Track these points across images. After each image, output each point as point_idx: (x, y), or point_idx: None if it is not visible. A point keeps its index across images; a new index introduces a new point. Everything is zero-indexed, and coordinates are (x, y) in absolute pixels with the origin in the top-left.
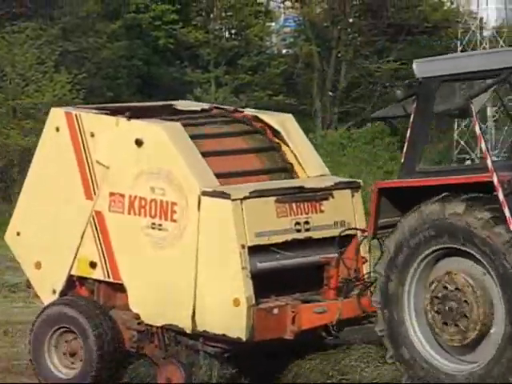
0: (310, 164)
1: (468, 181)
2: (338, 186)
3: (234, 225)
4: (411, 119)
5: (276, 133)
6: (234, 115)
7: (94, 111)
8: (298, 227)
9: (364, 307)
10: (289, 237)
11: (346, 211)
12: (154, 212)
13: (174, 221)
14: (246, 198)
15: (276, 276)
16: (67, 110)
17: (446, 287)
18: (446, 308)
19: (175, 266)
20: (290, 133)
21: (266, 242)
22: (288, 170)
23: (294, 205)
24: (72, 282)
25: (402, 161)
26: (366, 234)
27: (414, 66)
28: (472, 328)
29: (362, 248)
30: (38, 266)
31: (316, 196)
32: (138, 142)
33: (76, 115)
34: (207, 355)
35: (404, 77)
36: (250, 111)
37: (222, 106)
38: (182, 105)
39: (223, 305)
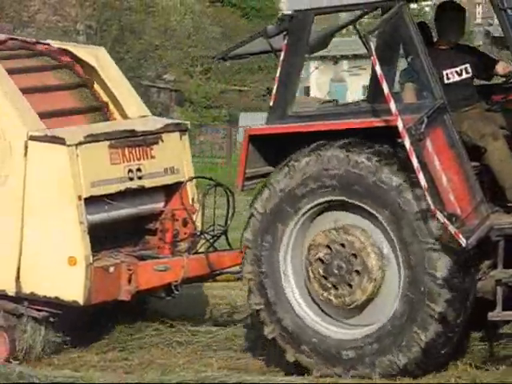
0: (130, 103)
1: (370, 125)
2: (167, 129)
3: (70, 174)
4: (282, 57)
5: (89, 68)
6: (37, 48)
7: None
8: (130, 175)
9: (211, 264)
10: (122, 186)
11: (176, 156)
12: None
13: None
14: (81, 143)
15: (104, 229)
16: None
17: (330, 245)
18: (334, 269)
19: None
20: (105, 68)
21: (100, 192)
22: (106, 110)
23: (126, 150)
24: None
25: (272, 103)
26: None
27: None
28: (363, 288)
29: (193, 196)
30: None
31: (147, 140)
32: None
33: None
34: (31, 319)
35: None
36: (55, 43)
37: (19, 37)
38: None
39: (56, 264)
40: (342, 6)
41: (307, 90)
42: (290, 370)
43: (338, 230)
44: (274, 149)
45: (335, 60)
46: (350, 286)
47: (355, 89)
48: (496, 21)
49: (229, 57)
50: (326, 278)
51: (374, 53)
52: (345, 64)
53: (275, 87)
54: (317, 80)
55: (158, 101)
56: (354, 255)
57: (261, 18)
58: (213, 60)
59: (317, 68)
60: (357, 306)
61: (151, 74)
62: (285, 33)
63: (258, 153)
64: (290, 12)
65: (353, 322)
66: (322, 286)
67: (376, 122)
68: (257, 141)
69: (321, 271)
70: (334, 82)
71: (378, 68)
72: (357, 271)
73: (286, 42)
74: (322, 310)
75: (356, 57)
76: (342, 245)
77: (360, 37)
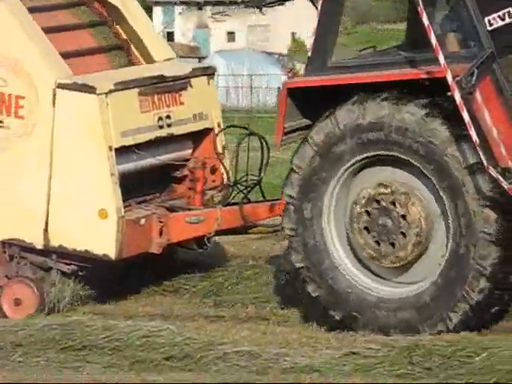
0: (155, 45)
1: (417, 77)
2: (195, 73)
3: (100, 123)
4: (319, 6)
5: (110, 5)
6: None
7: None
8: (160, 123)
9: (246, 216)
10: (152, 135)
11: (204, 102)
12: None
13: (20, 117)
14: (111, 91)
15: (132, 178)
16: None
17: (377, 201)
18: (379, 225)
19: (21, 170)
20: (127, 5)
21: (131, 142)
22: (128, 50)
23: (156, 97)
24: None
25: (310, 54)
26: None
27: None
28: (410, 246)
29: (222, 144)
30: None
31: (176, 86)
32: None
33: None
34: (59, 273)
35: None
36: None
37: None
38: None
39: (86, 217)
40: None
41: (171, 36)
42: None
43: (384, 186)
44: (312, 101)
45: (199, 6)
46: (394, 244)
47: (219, 35)
48: None
49: (265, 3)
50: (371, 234)
51: (420, 1)
52: (208, 10)
53: (314, 37)
54: (181, 26)
55: None
56: (402, 214)
57: None
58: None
59: (180, 13)
60: (404, 264)
61: None
62: None
63: (296, 106)
64: None
65: (400, 279)
66: (366, 243)
67: (422, 74)
68: (295, 93)
69: (366, 227)
70: (199, 28)
71: (424, 18)
72: (404, 229)
73: None
74: (367, 268)
75: (220, 3)
76: (389, 201)
77: None
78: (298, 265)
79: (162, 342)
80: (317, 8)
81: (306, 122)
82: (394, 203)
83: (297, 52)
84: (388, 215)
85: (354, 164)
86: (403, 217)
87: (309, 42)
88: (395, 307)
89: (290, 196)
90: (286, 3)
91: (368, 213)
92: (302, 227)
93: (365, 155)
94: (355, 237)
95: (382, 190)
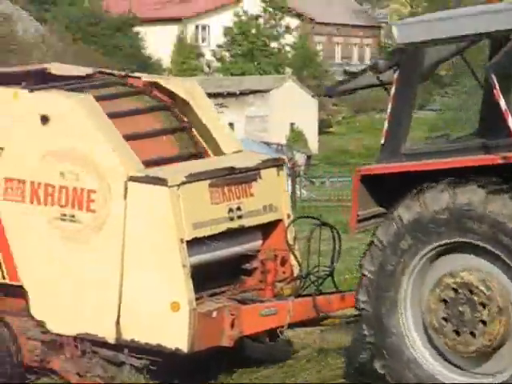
0: (224, 138)
1: (498, 162)
2: (265, 165)
3: (172, 216)
4: (393, 91)
5: (184, 104)
6: (130, 82)
7: None
8: (231, 214)
9: (318, 307)
10: (223, 227)
11: (273, 193)
12: (64, 201)
13: (92, 211)
14: (182, 183)
15: (203, 270)
16: None
17: (456, 289)
18: (458, 313)
19: (93, 263)
20: (199, 104)
21: (202, 233)
22: (203, 151)
23: (226, 189)
24: None
25: (383, 141)
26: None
27: (394, 29)
28: (491, 335)
29: (292, 235)
30: None
31: (246, 177)
32: (44, 119)
33: None
34: (132, 368)
35: None
36: (146, 77)
37: (107, 71)
38: (55, 68)
39: (158, 310)
40: (454, 38)
41: None
42: None
43: (462, 273)
44: (385, 188)
45: None
46: (474, 333)
47: None
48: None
49: (336, 93)
50: (448, 322)
51: (497, 86)
52: None
53: (387, 123)
54: None
55: None
56: (481, 302)
57: (123, 56)
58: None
59: None
60: (483, 354)
61: None
62: (396, 67)
63: (370, 193)
64: (400, 45)
65: (478, 370)
66: (443, 331)
67: (500, 159)
68: (369, 180)
69: (444, 314)
70: None
71: (502, 103)
72: (484, 317)
73: (397, 75)
74: (442, 356)
75: (218, 95)
76: (467, 289)
77: (470, 68)
78: (369, 339)
79: None
80: (389, 94)
81: (380, 209)
82: (469, 291)
83: (295, 142)
84: (467, 304)
85: (432, 250)
86: (483, 305)
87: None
88: None
89: (368, 270)
90: (284, 93)
91: (445, 301)
92: (376, 302)
93: (446, 241)
94: (432, 324)
95: (461, 277)
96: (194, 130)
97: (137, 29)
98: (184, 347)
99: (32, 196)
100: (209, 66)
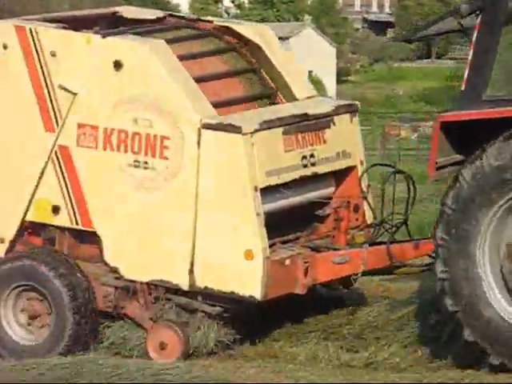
0: (297, 84)
1: None
2: (338, 111)
3: (246, 163)
4: (475, 37)
5: (254, 48)
6: (201, 26)
7: (51, 25)
8: (304, 162)
9: (392, 256)
10: (296, 174)
11: (347, 139)
12: (137, 147)
13: (165, 158)
14: (256, 130)
15: (275, 218)
16: (17, 22)
17: None
18: None
19: (167, 211)
20: (271, 47)
21: (276, 181)
22: (275, 96)
23: (299, 135)
24: (25, 230)
25: (463, 87)
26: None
27: None
28: None
29: (366, 182)
30: None
31: (319, 124)
32: (117, 65)
33: (31, 30)
34: (205, 315)
35: None
36: (217, 21)
37: (178, 14)
38: (127, 11)
39: (231, 258)
40: None
41: None
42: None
43: None
44: (465, 136)
45: None
46: None
47: None
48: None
49: (416, 38)
50: None
51: None
52: None
53: (467, 70)
54: None
55: None
56: None
57: (142, 0)
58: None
59: None
60: None
61: None
62: (479, 11)
63: (449, 140)
64: None
65: None
66: None
67: None
68: (448, 127)
69: None
70: None
71: None
72: None
73: (480, 20)
74: None
75: None
76: None
77: None
78: (451, 308)
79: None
80: (470, 40)
81: (458, 157)
82: None
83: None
84: None
85: (508, 201)
86: None
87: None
88: None
89: (441, 237)
90: (302, 41)
91: None
92: (454, 270)
93: None
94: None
95: None
96: (264, 72)
97: None
98: (257, 295)
99: (105, 142)
100: (227, 13)
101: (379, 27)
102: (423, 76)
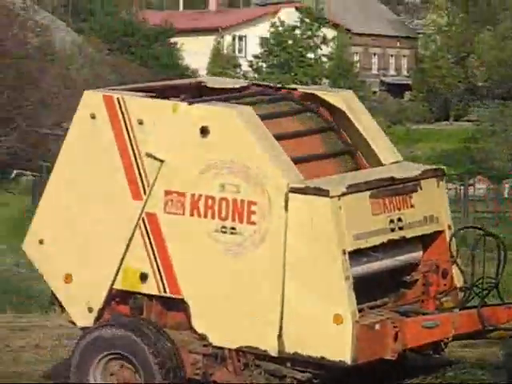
0: (383, 148)
1: None
2: (425, 175)
3: (334, 227)
4: None
5: (337, 112)
6: (287, 95)
7: (139, 94)
8: (392, 226)
9: (484, 320)
10: (384, 238)
11: (434, 204)
12: (224, 213)
13: (252, 223)
14: (343, 194)
15: (363, 282)
16: (104, 92)
17: None
18: None
19: (255, 276)
20: (355, 111)
21: (364, 245)
22: (356, 155)
23: (387, 199)
24: (112, 298)
25: None
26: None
27: None
28: None
29: (454, 246)
30: (67, 279)
31: (406, 188)
32: (204, 131)
33: (118, 99)
34: (294, 381)
35: None
36: (302, 88)
37: (262, 83)
38: (211, 81)
39: (320, 322)
40: None
41: None
42: None
43: None
44: None
45: None
46: None
47: None
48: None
49: None
50: None
51: None
52: None
53: None
54: None
55: (55, 149)
56: None
57: (160, 66)
58: None
59: None
60: None
61: (50, 121)
62: None
63: None
64: None
65: None
66: None
67: None
68: None
69: None
70: None
71: None
72: None
73: None
74: None
75: None
76: None
77: None
78: None
79: None
80: None
81: None
82: None
83: None
84: None
85: None
86: None
87: None
88: None
89: None
90: None
91: None
92: None
93: None
94: None
95: None
96: (345, 133)
97: (173, 39)
98: (347, 360)
99: (192, 209)
100: (245, 77)
101: (396, 90)
102: (441, 138)
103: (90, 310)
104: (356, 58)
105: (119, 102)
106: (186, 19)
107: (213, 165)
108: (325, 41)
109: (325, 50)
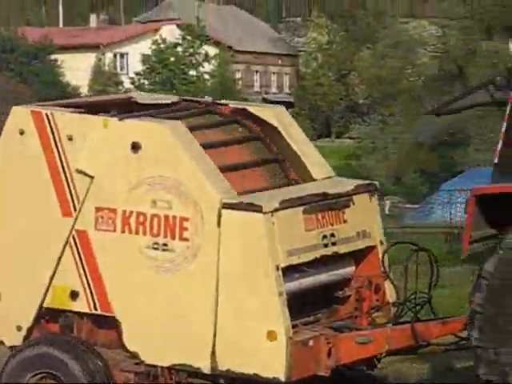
0: (314, 164)
1: None
2: (357, 191)
3: (267, 243)
4: (508, 109)
5: (268, 126)
6: (212, 109)
7: (68, 109)
8: (325, 241)
9: (418, 335)
10: (317, 253)
11: (366, 219)
12: (156, 229)
13: (185, 239)
14: (276, 209)
15: (295, 298)
16: (33, 108)
17: None
18: None
19: (187, 293)
20: (289, 129)
21: (297, 260)
22: (283, 164)
23: (320, 215)
24: (42, 316)
25: (497, 160)
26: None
27: None
28: None
29: (386, 262)
30: None
31: (339, 203)
32: (135, 147)
33: (47, 115)
34: None
35: None
36: (233, 104)
37: (193, 98)
38: (140, 97)
39: (253, 339)
40: None
41: None
42: None
43: None
44: (500, 209)
45: None
46: None
47: None
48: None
49: (443, 112)
50: None
51: None
52: None
53: (501, 143)
54: None
55: None
56: None
57: (40, 83)
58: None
59: None
60: None
61: None
62: None
63: (483, 214)
64: None
65: None
66: None
67: None
68: (482, 201)
69: None
70: None
71: None
72: None
73: None
74: None
75: None
76: None
77: None
78: (486, 377)
79: None
80: (504, 111)
81: (491, 231)
82: None
83: None
84: None
85: None
86: None
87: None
88: None
89: (480, 304)
90: None
91: None
92: (494, 338)
93: None
94: None
95: None
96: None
97: (54, 56)
98: (281, 376)
99: (123, 225)
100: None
101: None
102: (324, 154)
103: (19, 328)
104: (238, 75)
105: (48, 118)
106: (67, 36)
107: (144, 180)
108: (207, 58)
109: (207, 67)
